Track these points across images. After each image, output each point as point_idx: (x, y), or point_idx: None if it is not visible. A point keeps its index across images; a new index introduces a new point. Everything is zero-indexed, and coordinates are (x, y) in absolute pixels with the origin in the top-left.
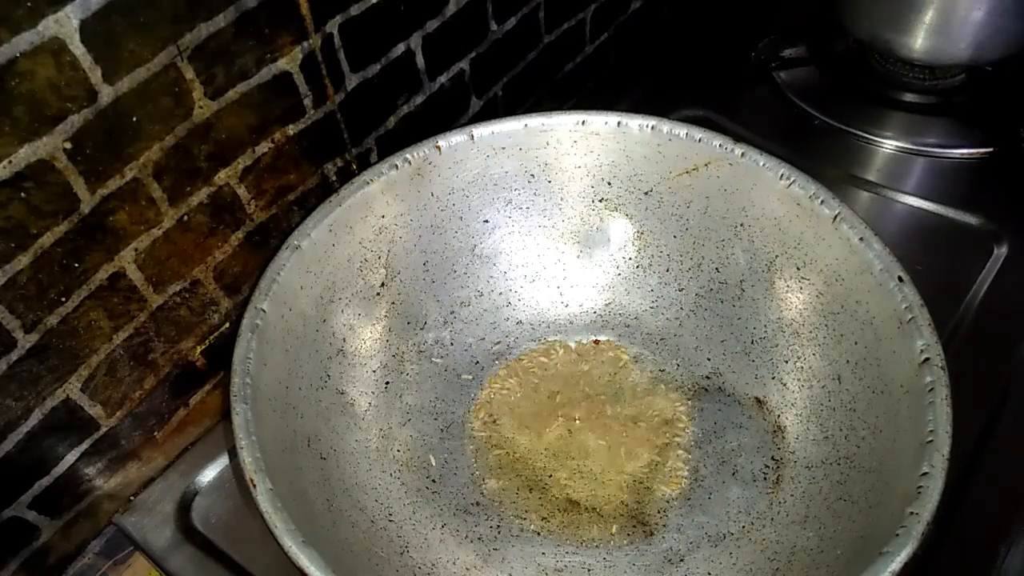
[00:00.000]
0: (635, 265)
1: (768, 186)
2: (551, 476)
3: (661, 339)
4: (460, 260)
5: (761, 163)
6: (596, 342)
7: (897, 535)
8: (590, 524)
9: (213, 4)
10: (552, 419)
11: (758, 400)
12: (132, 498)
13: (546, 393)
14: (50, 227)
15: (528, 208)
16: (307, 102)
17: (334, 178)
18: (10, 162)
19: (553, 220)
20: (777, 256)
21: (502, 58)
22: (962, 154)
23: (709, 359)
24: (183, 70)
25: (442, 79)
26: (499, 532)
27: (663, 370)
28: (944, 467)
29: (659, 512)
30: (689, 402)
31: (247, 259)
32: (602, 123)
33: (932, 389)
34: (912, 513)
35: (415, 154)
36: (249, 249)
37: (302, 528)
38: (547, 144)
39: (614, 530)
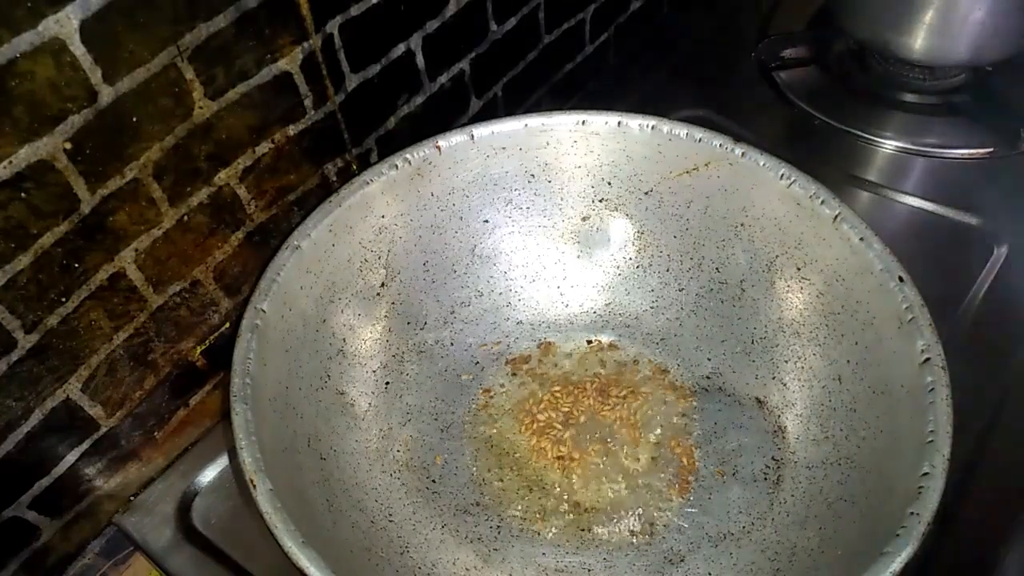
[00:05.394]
0: (635, 265)
1: (768, 186)
2: (551, 476)
3: (661, 339)
4: (460, 260)
5: (761, 163)
6: (589, 342)
7: (898, 535)
8: (590, 524)
9: (213, 4)
10: (552, 419)
11: (758, 400)
12: (132, 498)
13: (546, 393)
14: (50, 227)
15: (528, 208)
16: (307, 102)
17: (334, 178)
18: (10, 162)
19: (553, 220)
20: (777, 256)
21: (502, 58)
22: (962, 154)
23: (709, 359)
24: (183, 70)
25: (442, 79)
26: (499, 532)
27: (663, 370)
28: (945, 467)
29: (659, 512)
30: (689, 402)
31: (247, 259)
32: (602, 123)
33: (933, 389)
34: (913, 513)
35: (415, 154)
36: (249, 249)
37: (302, 528)
38: (547, 144)
39: (614, 530)
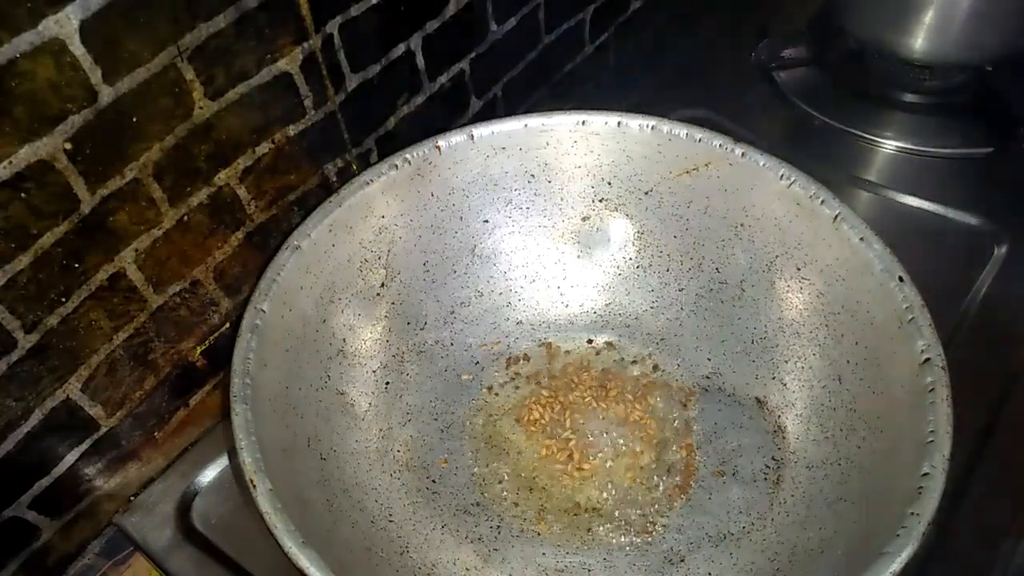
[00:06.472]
0: (635, 265)
1: (768, 186)
2: (551, 476)
3: (661, 339)
4: (460, 260)
5: (761, 163)
6: (590, 342)
7: (898, 535)
8: (590, 524)
9: (213, 4)
10: (552, 419)
11: (758, 400)
12: (132, 498)
13: (546, 393)
14: (50, 227)
15: (528, 208)
16: (307, 102)
17: (334, 178)
18: (10, 162)
19: (553, 220)
20: (777, 256)
21: (502, 58)
22: (962, 154)
23: (709, 359)
24: (183, 70)
25: (442, 79)
26: (499, 532)
27: (663, 370)
28: (945, 467)
29: (659, 512)
30: (689, 402)
31: (247, 259)
32: (602, 123)
33: (933, 389)
34: (913, 513)
35: (415, 154)
36: (249, 249)
37: (302, 529)
38: (547, 144)
39: (614, 530)
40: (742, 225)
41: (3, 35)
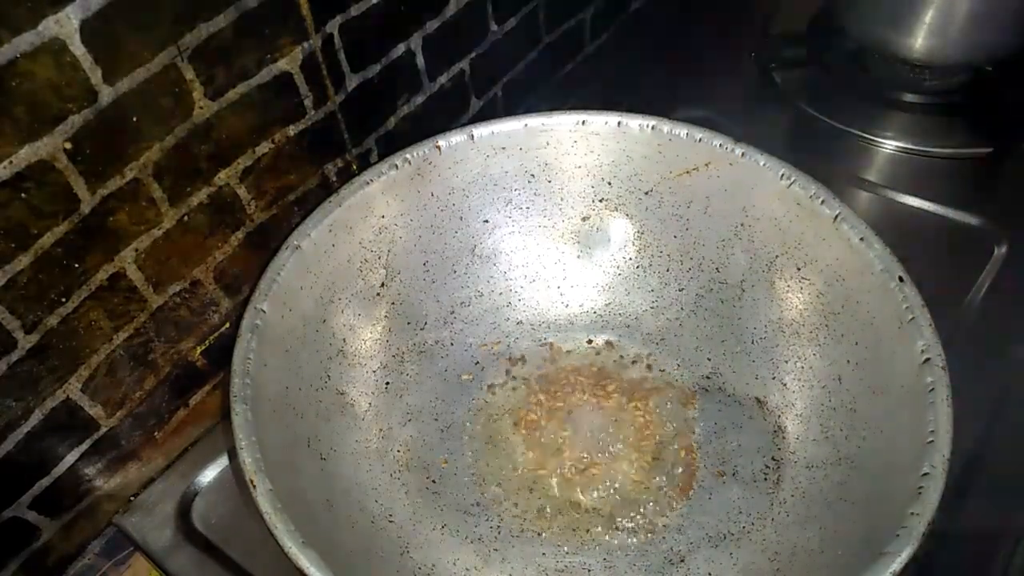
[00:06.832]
0: (635, 265)
1: (768, 186)
2: (551, 476)
3: (661, 339)
4: (460, 260)
5: (761, 163)
6: (589, 342)
7: (898, 535)
8: (590, 524)
9: (213, 4)
10: (552, 419)
11: (758, 400)
12: (132, 498)
13: (546, 393)
14: (50, 227)
15: (528, 208)
16: (307, 102)
17: (334, 178)
18: (10, 162)
19: (553, 220)
20: (777, 256)
21: (502, 58)
22: (962, 154)
23: (709, 359)
24: (183, 70)
25: (442, 79)
26: (499, 532)
27: (663, 370)
28: (945, 467)
29: (659, 512)
30: (689, 402)
31: (247, 259)
32: (602, 123)
33: (933, 389)
34: (913, 514)
35: (415, 154)
36: (249, 249)
37: (302, 529)
38: (547, 144)
39: (614, 530)
40: (742, 225)
41: (3, 35)
